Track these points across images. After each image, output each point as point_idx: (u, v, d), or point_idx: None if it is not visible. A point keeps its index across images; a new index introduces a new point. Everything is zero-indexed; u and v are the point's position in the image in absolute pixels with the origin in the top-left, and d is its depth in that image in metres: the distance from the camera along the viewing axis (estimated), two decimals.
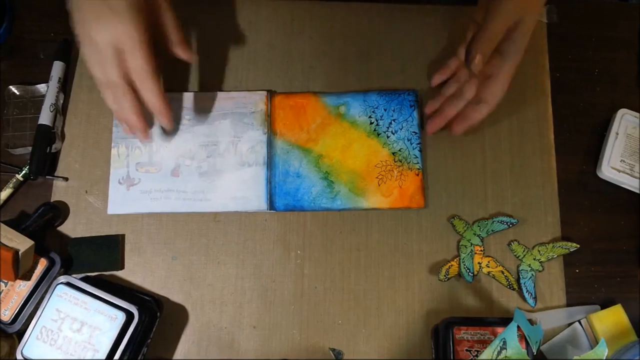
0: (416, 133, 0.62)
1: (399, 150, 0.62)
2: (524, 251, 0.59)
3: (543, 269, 0.59)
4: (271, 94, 0.63)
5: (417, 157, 0.62)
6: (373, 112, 0.63)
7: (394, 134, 0.62)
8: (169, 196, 0.60)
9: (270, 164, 0.61)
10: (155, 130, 0.62)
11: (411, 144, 0.62)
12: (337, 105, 0.63)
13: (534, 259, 0.59)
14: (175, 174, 0.61)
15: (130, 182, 0.60)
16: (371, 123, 0.62)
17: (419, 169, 0.61)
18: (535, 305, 0.58)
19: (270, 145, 0.62)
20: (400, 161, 0.61)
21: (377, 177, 0.61)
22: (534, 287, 0.58)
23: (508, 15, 0.50)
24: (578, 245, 0.59)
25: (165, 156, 0.61)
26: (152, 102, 0.50)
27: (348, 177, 0.61)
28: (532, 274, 0.59)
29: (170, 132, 0.60)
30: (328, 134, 0.62)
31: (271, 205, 0.60)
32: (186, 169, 0.61)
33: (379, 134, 0.62)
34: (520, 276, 0.59)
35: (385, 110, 0.63)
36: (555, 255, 0.59)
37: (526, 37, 0.53)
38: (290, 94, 0.63)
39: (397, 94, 0.63)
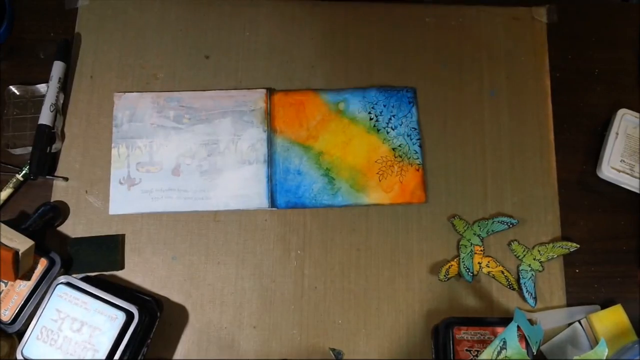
0: (415, 129, 0.62)
1: (399, 146, 0.62)
2: (524, 251, 0.59)
3: (543, 269, 0.59)
4: (270, 91, 0.63)
5: (417, 153, 0.62)
6: (372, 108, 0.63)
7: (393, 129, 0.62)
8: (170, 195, 0.60)
9: (270, 161, 0.61)
10: (157, 130, 0.62)
11: (411, 139, 0.62)
12: (336, 101, 0.63)
13: (534, 259, 0.59)
14: (176, 173, 0.61)
15: (131, 182, 0.60)
16: (371, 119, 0.63)
17: (419, 164, 0.61)
18: (535, 305, 0.58)
19: (270, 143, 0.62)
20: (401, 156, 0.61)
21: (377, 173, 0.61)
22: (534, 287, 0.58)
23: None
24: (578, 245, 0.59)
25: (166, 155, 0.61)
26: None
27: (349, 174, 0.61)
28: (532, 274, 0.59)
29: None
30: (328, 130, 0.62)
31: (272, 202, 0.60)
32: (187, 168, 0.61)
33: (378, 130, 0.62)
34: (520, 276, 0.59)
35: (384, 106, 0.63)
36: (555, 255, 0.59)
37: None
38: (289, 91, 0.63)
39: (396, 90, 0.63)
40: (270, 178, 0.61)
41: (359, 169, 0.61)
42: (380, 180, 0.61)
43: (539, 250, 0.59)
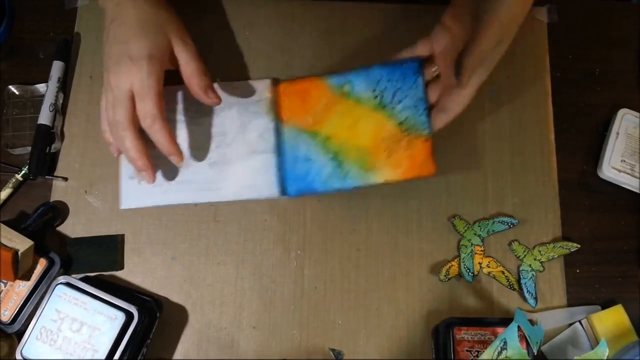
0: (422, 99, 0.61)
1: (406, 119, 0.61)
2: (524, 251, 0.59)
3: (544, 269, 0.59)
4: (275, 81, 0.63)
5: (424, 123, 0.60)
6: (377, 84, 0.62)
7: (399, 102, 0.61)
8: (181, 188, 0.60)
9: (279, 150, 0.61)
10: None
11: (417, 110, 0.60)
12: (341, 84, 0.62)
13: (535, 259, 0.59)
14: (186, 165, 0.60)
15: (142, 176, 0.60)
16: (375, 97, 0.62)
17: (427, 134, 0.60)
18: (536, 305, 0.58)
19: (277, 132, 0.61)
20: (408, 130, 0.61)
21: (385, 150, 0.60)
22: (535, 287, 0.58)
23: (498, 35, 0.51)
24: (579, 245, 0.59)
25: None
26: (162, 143, 0.53)
27: (357, 155, 0.60)
28: (533, 274, 0.58)
29: (180, 165, 0.59)
30: (334, 114, 0.62)
31: (283, 191, 0.60)
32: (195, 160, 0.61)
33: (384, 107, 0.61)
34: (521, 276, 0.58)
35: (388, 80, 0.61)
36: (556, 256, 0.59)
37: (499, 56, 0.54)
38: (294, 79, 0.63)
39: (400, 62, 0.63)
40: (279, 167, 0.60)
41: (366, 149, 0.61)
42: (388, 157, 0.60)
43: (539, 251, 0.59)
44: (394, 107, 0.61)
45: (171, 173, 0.60)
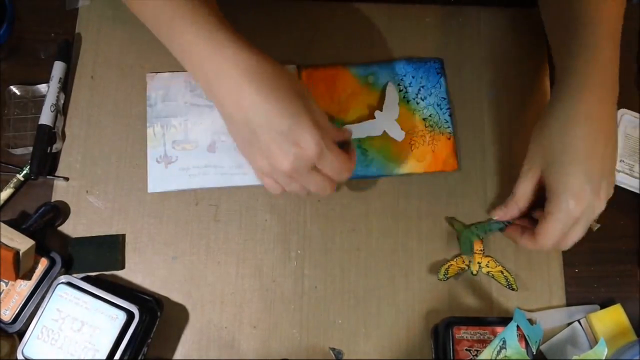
0: (445, 99, 0.63)
1: (430, 116, 0.62)
2: (461, 227, 0.60)
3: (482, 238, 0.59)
4: (300, 67, 0.63)
5: (447, 122, 0.62)
6: (401, 80, 0.63)
7: (423, 100, 0.63)
8: (207, 172, 0.61)
9: None
10: (191, 108, 0.62)
11: (441, 109, 0.62)
12: (365, 75, 0.63)
13: (472, 233, 0.60)
14: (211, 149, 0.61)
15: (168, 160, 0.61)
16: (400, 90, 0.63)
17: (450, 133, 0.62)
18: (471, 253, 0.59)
19: None
20: (432, 126, 0.62)
21: (409, 143, 0.62)
22: (471, 247, 0.59)
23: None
24: (510, 222, 0.58)
25: (201, 133, 0.61)
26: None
27: (380, 145, 0.61)
28: (471, 242, 0.60)
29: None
30: (359, 103, 0.62)
31: None
32: (222, 144, 0.61)
33: (408, 101, 0.63)
34: (461, 241, 0.60)
35: (413, 77, 0.63)
36: (493, 230, 0.59)
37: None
38: (319, 66, 0.63)
39: (423, 61, 0.64)
40: None
41: (390, 140, 0.61)
42: (412, 150, 0.61)
43: (476, 227, 0.60)
44: (418, 102, 0.62)
45: (198, 157, 0.61)
